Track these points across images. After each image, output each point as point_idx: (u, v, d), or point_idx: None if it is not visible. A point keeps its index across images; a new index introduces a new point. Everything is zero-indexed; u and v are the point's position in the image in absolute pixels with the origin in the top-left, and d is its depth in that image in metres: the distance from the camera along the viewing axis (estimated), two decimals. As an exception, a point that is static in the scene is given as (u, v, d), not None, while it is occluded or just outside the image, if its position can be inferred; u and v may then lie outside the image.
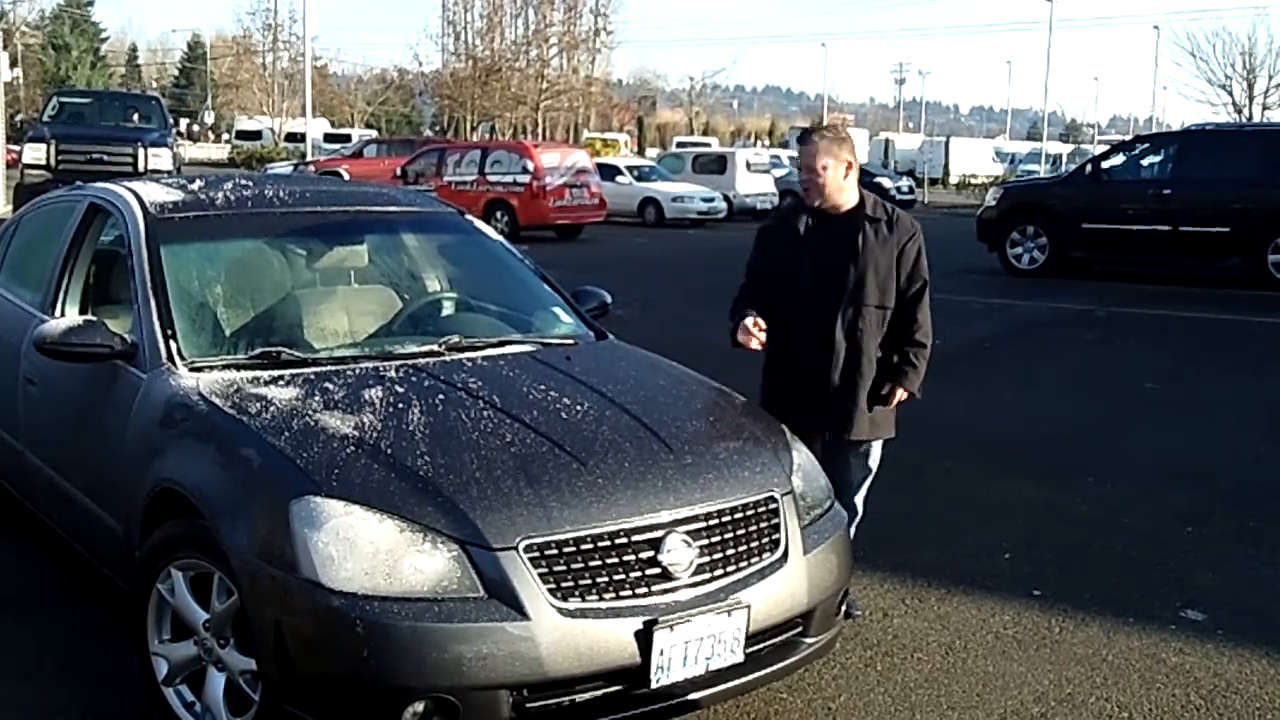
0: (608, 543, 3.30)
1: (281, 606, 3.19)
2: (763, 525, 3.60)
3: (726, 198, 29.49)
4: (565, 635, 3.15)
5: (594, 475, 3.43)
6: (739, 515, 3.55)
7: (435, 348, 4.24)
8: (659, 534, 3.37)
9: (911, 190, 38.69)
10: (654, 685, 3.27)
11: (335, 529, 3.17)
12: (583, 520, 3.30)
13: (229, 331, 4.23)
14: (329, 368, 3.99)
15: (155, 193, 4.67)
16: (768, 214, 30.16)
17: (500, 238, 5.19)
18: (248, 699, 3.40)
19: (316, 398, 3.71)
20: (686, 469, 3.57)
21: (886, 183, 35.85)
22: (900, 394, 4.65)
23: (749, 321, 4.44)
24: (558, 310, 4.84)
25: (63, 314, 4.74)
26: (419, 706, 3.11)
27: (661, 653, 3.26)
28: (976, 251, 18.57)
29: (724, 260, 20.27)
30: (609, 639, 3.21)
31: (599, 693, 3.25)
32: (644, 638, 3.23)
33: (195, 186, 4.87)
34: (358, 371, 3.97)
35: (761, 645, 3.54)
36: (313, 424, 3.54)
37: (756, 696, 3.97)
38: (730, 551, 3.49)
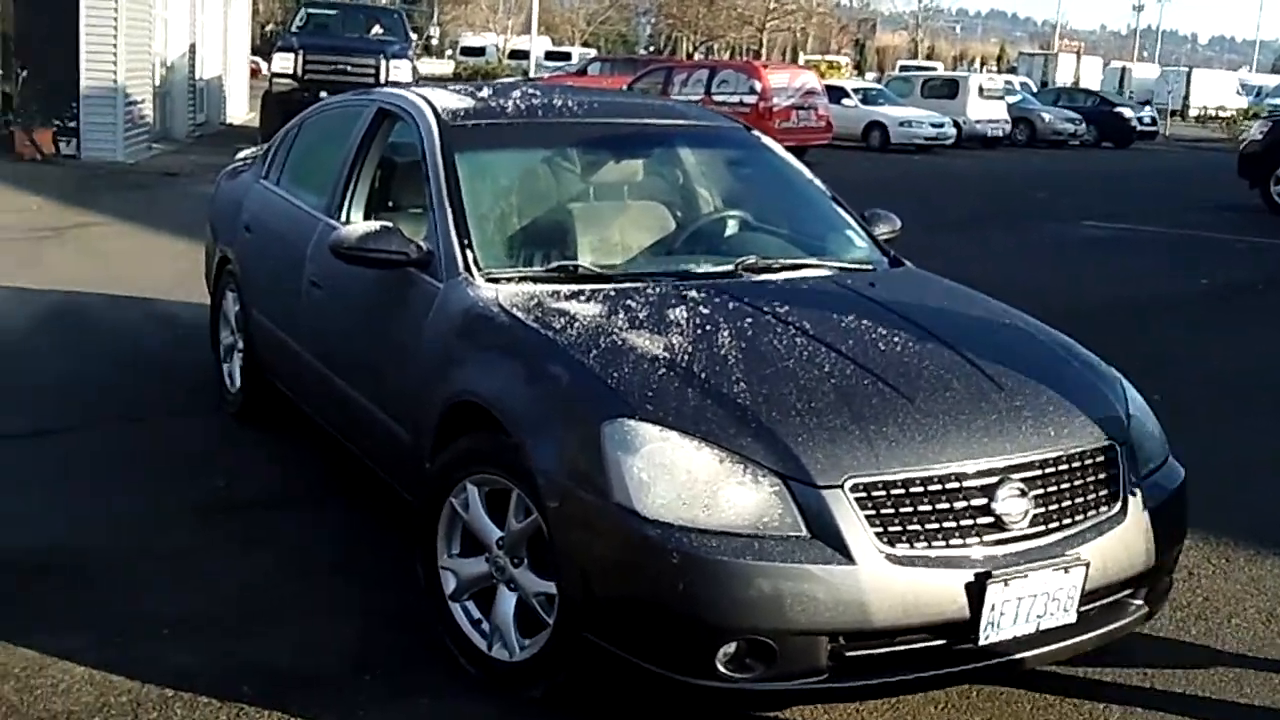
0: (938, 487, 3.05)
1: (590, 532, 3.06)
2: (1101, 476, 3.30)
3: (956, 123, 28.45)
4: (892, 583, 2.93)
5: (923, 414, 3.18)
6: (1076, 464, 3.25)
7: (731, 268, 4.03)
8: (993, 480, 3.10)
9: (1154, 121, 36.66)
10: (981, 642, 3.03)
11: (650, 454, 3.00)
12: (912, 461, 3.05)
13: (521, 243, 4.11)
14: (627, 285, 3.82)
15: (447, 100, 4.57)
16: (998, 142, 29.28)
17: (788, 154, 4.92)
18: (539, 621, 3.31)
19: (620, 315, 3.55)
20: (1020, 411, 3.28)
21: (1127, 113, 34.11)
22: None
23: None
24: (850, 234, 4.56)
25: (348, 219, 4.70)
26: (732, 647, 2.94)
27: (993, 608, 3.00)
28: (1230, 187, 17.46)
29: (957, 189, 19.59)
30: (938, 590, 2.97)
31: (921, 645, 3.03)
32: (975, 591, 2.98)
33: (485, 94, 4.75)
34: (658, 290, 3.78)
35: (1092, 605, 3.25)
36: (620, 343, 3.38)
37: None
38: (1067, 503, 3.20)
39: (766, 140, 4.96)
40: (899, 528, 2.99)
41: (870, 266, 4.32)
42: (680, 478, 2.97)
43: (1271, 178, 16.49)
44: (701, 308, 3.63)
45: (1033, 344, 3.74)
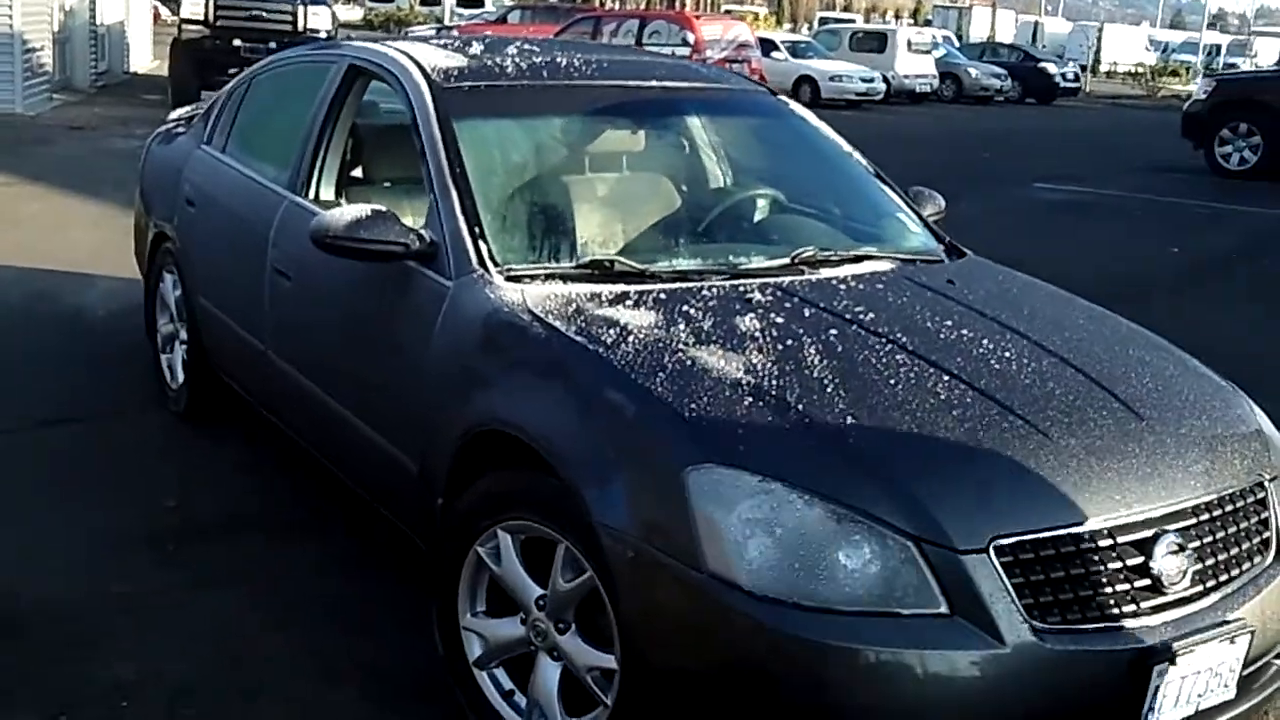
0: (1090, 544, 2.51)
1: (671, 605, 2.47)
2: (1252, 521, 2.80)
3: (885, 79, 28.03)
4: (1045, 667, 2.40)
5: (1064, 453, 2.63)
6: (1229, 508, 2.74)
7: (786, 261, 3.45)
8: (1148, 534, 2.57)
9: (1077, 78, 36.60)
10: (1141, 731, 2.52)
11: (751, 511, 2.42)
12: (1061, 514, 2.51)
13: (542, 232, 3.47)
14: (677, 285, 3.21)
15: (434, 57, 3.90)
16: (925, 97, 28.93)
17: (820, 122, 4.33)
18: (590, 698, 2.74)
19: (680, 326, 2.94)
20: (1165, 447, 2.75)
21: (1051, 68, 33.96)
22: None
23: None
24: (903, 217, 4.00)
25: (316, 195, 4.06)
26: None
27: (1156, 691, 2.49)
28: (1166, 147, 17.35)
29: (898, 147, 18.92)
30: (1096, 673, 2.44)
31: (1070, 737, 2.50)
32: (1139, 671, 2.46)
33: (476, 50, 4.09)
34: (716, 293, 3.18)
35: (1248, 671, 2.75)
36: (689, 363, 2.78)
37: None
38: (1222, 556, 2.69)
39: (795, 105, 4.37)
40: (1050, 597, 2.45)
41: (935, 257, 3.77)
42: (791, 542, 2.40)
43: (1215, 139, 16.27)
44: (773, 315, 3.04)
45: (1151, 357, 3.21)
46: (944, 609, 2.38)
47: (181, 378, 5.03)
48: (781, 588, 2.37)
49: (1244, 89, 17.00)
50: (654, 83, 4.10)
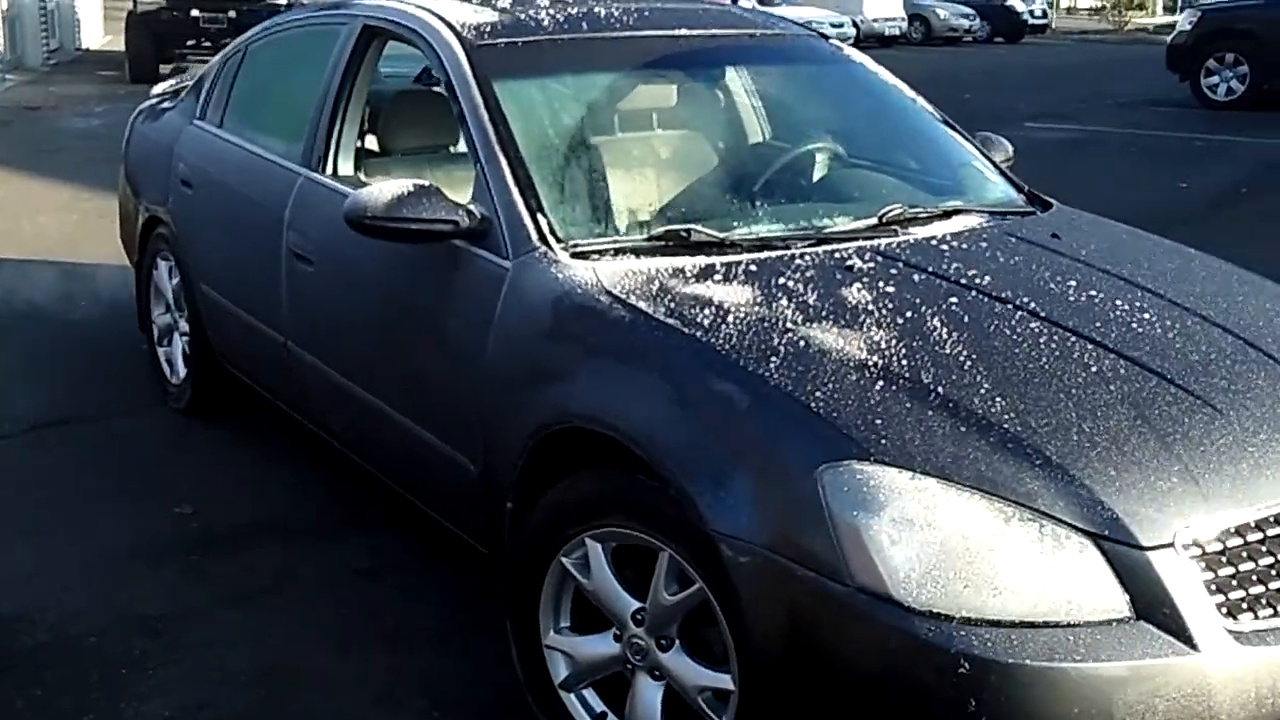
0: (1278, 530, 2.23)
1: (811, 624, 2.16)
2: None
3: (854, 23, 27.62)
4: (1244, 671, 2.10)
5: (1238, 427, 2.33)
6: None
7: (874, 222, 3.12)
8: None
9: (1044, 14, 36.13)
10: (1343, 738, 2.23)
11: (903, 513, 2.11)
12: (1245, 497, 2.21)
13: (604, 201, 3.13)
14: (764, 254, 2.88)
15: (460, 12, 3.54)
16: (894, 40, 28.57)
17: (880, 68, 3.99)
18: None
19: (782, 301, 2.62)
20: None
21: (1019, 5, 33.45)
22: None
23: None
24: (979, 166, 3.68)
25: (334, 170, 3.70)
26: None
27: (1365, 694, 2.21)
28: (1148, 80, 17.28)
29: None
30: (1300, 676, 2.16)
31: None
32: None
33: (504, 3, 3.73)
34: (811, 260, 2.85)
35: None
36: (803, 344, 2.45)
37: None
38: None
39: (850, 50, 4.03)
40: (1241, 592, 2.16)
41: (1023, 209, 3.45)
42: (954, 546, 2.09)
43: (1202, 70, 15.99)
44: (881, 284, 2.72)
45: (1283, 307, 2.92)
46: (1127, 613, 2.09)
47: (183, 372, 4.68)
48: (942, 599, 2.06)
49: (1229, 19, 16.63)
50: (702, 31, 3.73)
